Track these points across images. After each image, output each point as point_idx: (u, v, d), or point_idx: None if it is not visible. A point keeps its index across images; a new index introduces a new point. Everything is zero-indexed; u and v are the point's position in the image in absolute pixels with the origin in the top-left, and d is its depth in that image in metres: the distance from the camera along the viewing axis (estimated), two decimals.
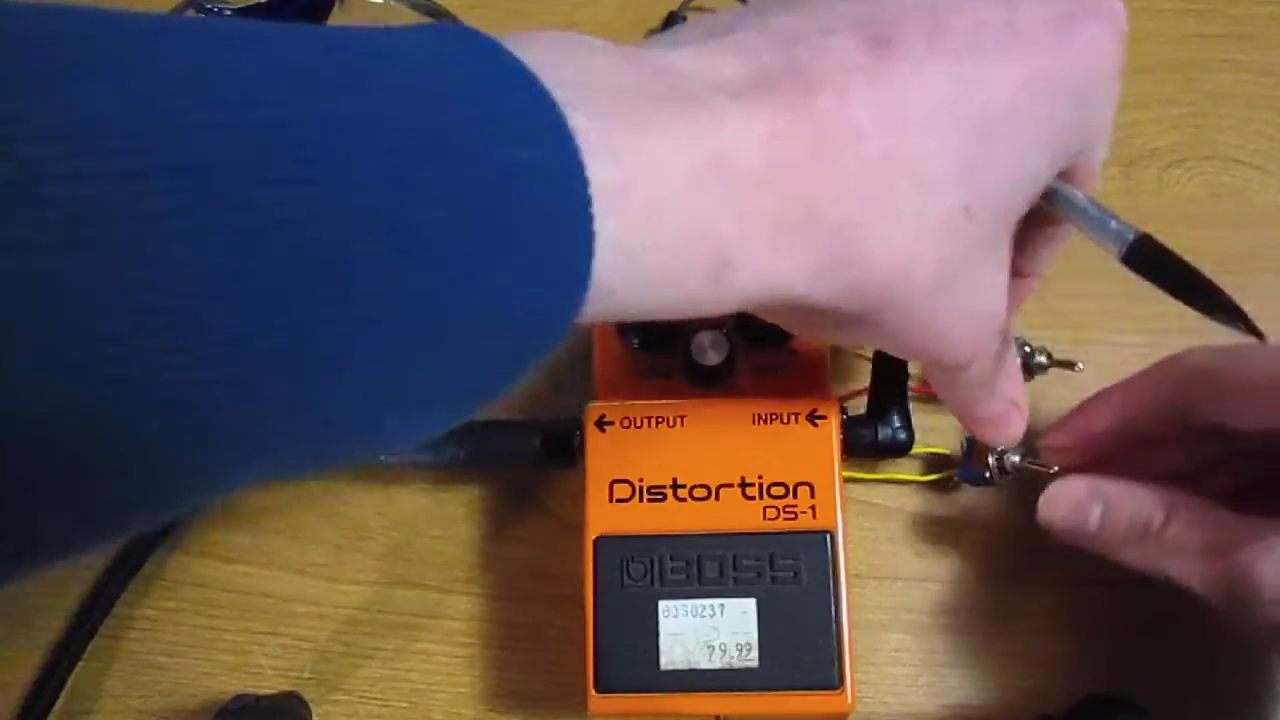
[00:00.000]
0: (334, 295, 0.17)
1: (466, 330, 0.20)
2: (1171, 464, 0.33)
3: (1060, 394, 0.40)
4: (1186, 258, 0.42)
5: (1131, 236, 0.26)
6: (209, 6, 0.29)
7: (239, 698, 0.36)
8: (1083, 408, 0.33)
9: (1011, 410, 0.31)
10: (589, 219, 0.20)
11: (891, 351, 0.29)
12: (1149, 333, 0.40)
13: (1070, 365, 0.38)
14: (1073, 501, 0.32)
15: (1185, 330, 0.41)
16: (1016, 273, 0.28)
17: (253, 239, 0.16)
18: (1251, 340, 0.25)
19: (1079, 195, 0.27)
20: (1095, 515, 0.31)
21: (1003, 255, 0.26)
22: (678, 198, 0.21)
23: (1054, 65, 0.25)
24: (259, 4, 0.29)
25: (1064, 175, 0.27)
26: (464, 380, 0.21)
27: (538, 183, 0.19)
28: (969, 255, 0.25)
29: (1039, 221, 0.28)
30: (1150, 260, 0.26)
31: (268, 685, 0.38)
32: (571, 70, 0.21)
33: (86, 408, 0.16)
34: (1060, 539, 0.33)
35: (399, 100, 0.19)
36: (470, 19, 0.37)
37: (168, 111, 0.16)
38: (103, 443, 0.16)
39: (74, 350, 0.15)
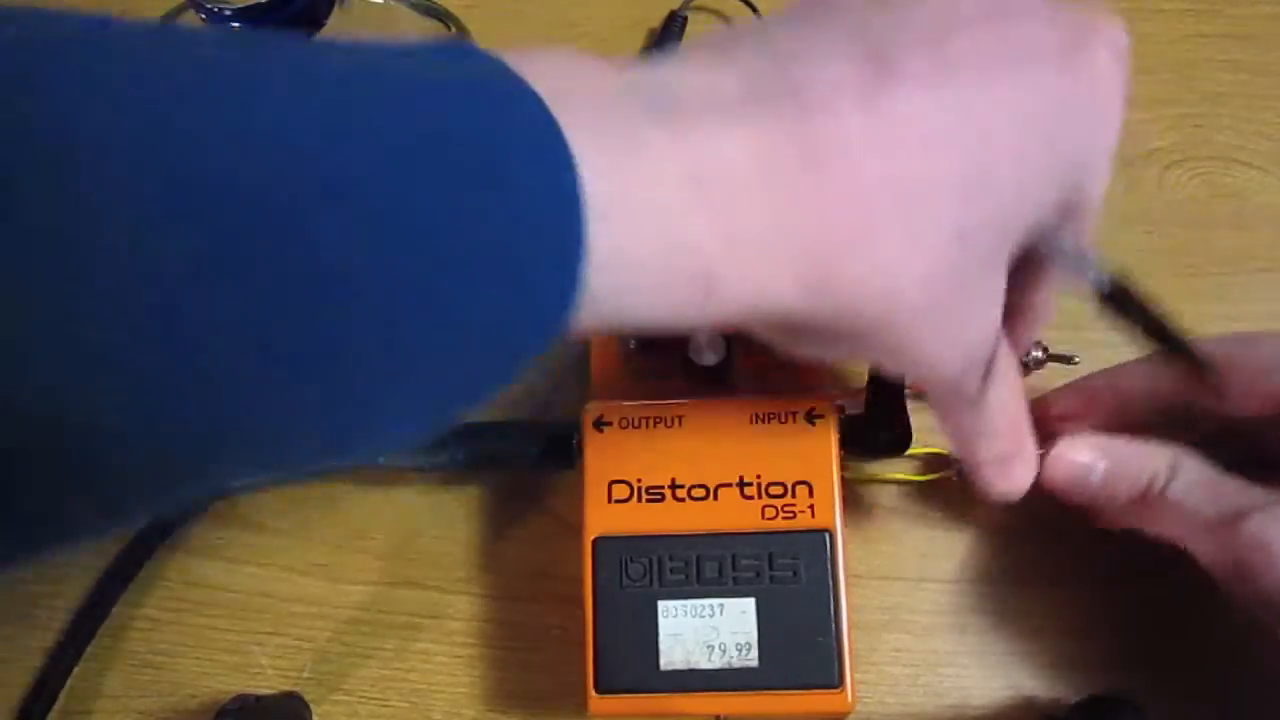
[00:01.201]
0: (334, 294, 0.18)
1: (459, 333, 0.20)
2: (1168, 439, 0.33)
3: None
4: (1186, 258, 0.42)
5: (1107, 277, 0.27)
6: (209, 6, 0.29)
7: (239, 698, 0.36)
8: (1079, 392, 0.33)
9: (1014, 458, 0.31)
10: (582, 229, 0.20)
11: (882, 366, 0.29)
12: None
13: (1068, 359, 0.38)
14: (1076, 457, 0.32)
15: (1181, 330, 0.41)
16: (1013, 311, 0.28)
17: (260, 243, 0.17)
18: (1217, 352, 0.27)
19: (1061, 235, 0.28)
20: (1099, 471, 0.31)
21: (996, 284, 0.26)
22: (665, 212, 0.21)
23: (1056, 91, 0.25)
24: (259, 4, 0.29)
25: (1065, 211, 0.27)
26: (452, 383, 0.21)
27: (536, 191, 0.20)
28: (960, 279, 0.25)
29: (1034, 260, 0.28)
30: (1123, 299, 0.27)
31: (268, 685, 0.38)
32: (568, 83, 0.21)
33: (102, 406, 0.16)
34: (1065, 498, 0.33)
35: (402, 107, 0.19)
36: (470, 19, 0.37)
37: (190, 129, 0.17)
38: (117, 437, 0.17)
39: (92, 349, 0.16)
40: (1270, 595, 0.28)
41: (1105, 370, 0.33)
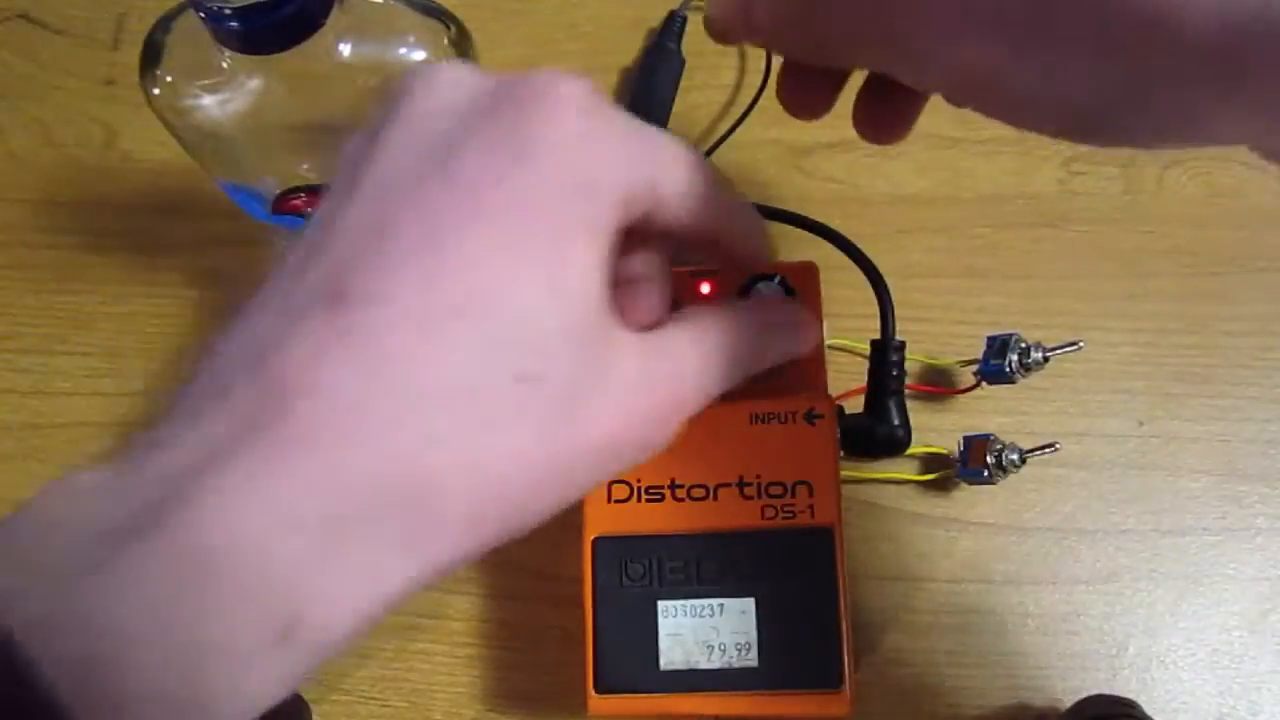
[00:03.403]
0: None
1: None
2: None
3: (1060, 394, 0.40)
4: (1186, 258, 0.42)
5: None
6: (209, 6, 0.29)
7: None
8: None
9: None
10: None
11: None
12: (1145, 331, 0.40)
13: (1074, 344, 0.38)
14: None
15: (1181, 330, 0.41)
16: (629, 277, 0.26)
17: None
18: None
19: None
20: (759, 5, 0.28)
21: (605, 351, 0.24)
22: (170, 652, 0.18)
23: (518, 201, 0.22)
24: (259, 4, 0.29)
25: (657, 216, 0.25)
26: None
27: None
28: (562, 408, 0.22)
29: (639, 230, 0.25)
30: None
31: None
32: (21, 552, 0.19)
33: None
34: (727, 36, 0.29)
35: None
36: (470, 19, 0.37)
37: None
38: None
39: None
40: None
41: None
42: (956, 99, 0.25)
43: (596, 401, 0.23)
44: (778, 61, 0.31)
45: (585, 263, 0.23)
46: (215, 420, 0.20)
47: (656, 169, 0.24)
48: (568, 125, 0.23)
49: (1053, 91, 0.22)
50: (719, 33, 0.29)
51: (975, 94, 0.24)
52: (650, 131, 0.25)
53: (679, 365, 0.25)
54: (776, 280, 0.35)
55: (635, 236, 0.25)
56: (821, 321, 0.35)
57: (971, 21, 0.22)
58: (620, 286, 0.24)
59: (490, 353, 0.21)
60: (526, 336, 0.22)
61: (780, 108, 0.30)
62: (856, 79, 0.30)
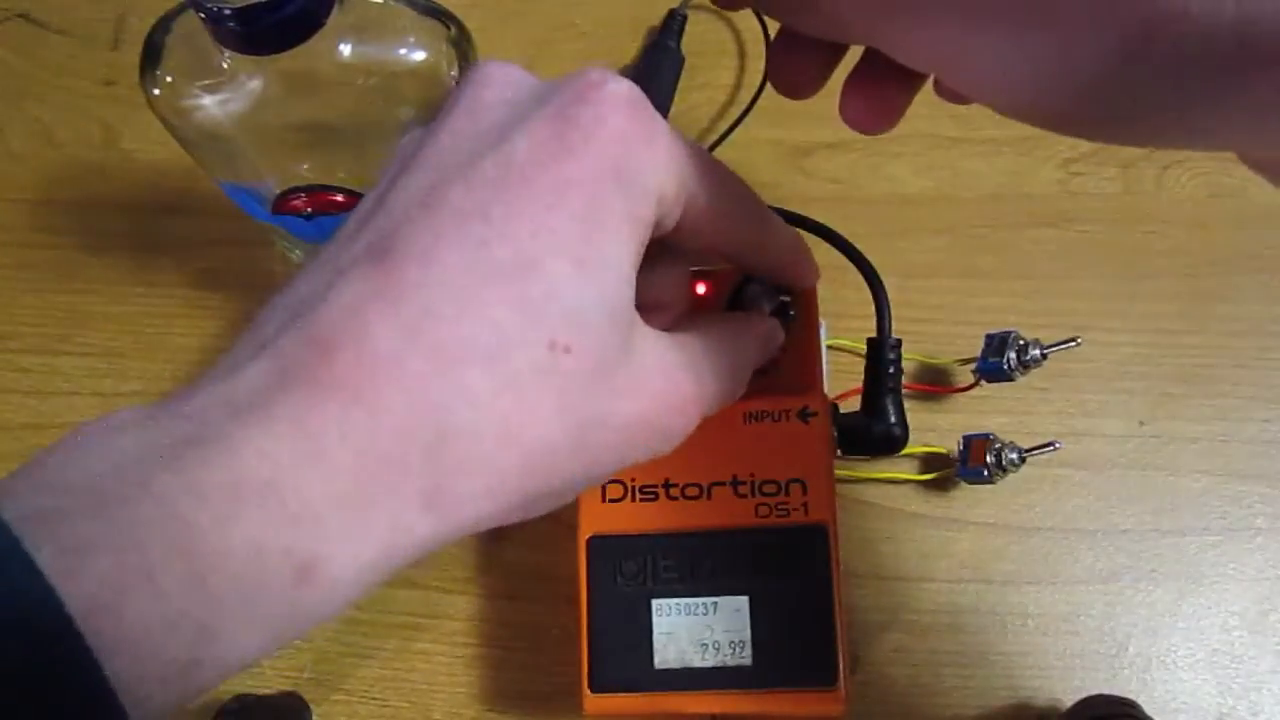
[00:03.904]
0: None
1: None
2: None
3: (1061, 393, 0.40)
4: (1186, 258, 0.42)
5: None
6: (209, 6, 0.29)
7: (239, 698, 0.36)
8: None
9: None
10: (80, 651, 0.17)
11: None
12: (1145, 331, 0.40)
13: (1072, 340, 0.38)
14: None
15: (1181, 329, 0.41)
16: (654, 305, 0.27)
17: None
18: None
19: None
20: None
21: (630, 335, 0.25)
22: (191, 585, 0.19)
23: (563, 185, 0.23)
24: (259, 3, 0.29)
25: (686, 228, 0.26)
26: None
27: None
28: (588, 382, 0.23)
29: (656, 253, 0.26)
30: None
31: (268, 685, 0.38)
32: (55, 476, 0.19)
33: None
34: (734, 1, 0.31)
35: None
36: (470, 19, 0.37)
37: None
38: None
39: None
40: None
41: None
42: (950, 81, 0.24)
43: (621, 380, 0.24)
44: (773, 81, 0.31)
45: (619, 248, 0.24)
46: (255, 370, 0.21)
47: (691, 177, 0.25)
48: (613, 122, 0.24)
49: (1049, 75, 0.21)
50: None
51: (966, 78, 0.23)
52: (689, 143, 0.26)
53: (697, 361, 0.27)
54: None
55: (661, 254, 0.26)
56: (819, 322, 0.36)
57: None
58: (643, 305, 0.25)
59: (527, 318, 0.22)
60: (563, 307, 0.23)
61: (780, 108, 0.30)
62: (845, 69, 0.29)
